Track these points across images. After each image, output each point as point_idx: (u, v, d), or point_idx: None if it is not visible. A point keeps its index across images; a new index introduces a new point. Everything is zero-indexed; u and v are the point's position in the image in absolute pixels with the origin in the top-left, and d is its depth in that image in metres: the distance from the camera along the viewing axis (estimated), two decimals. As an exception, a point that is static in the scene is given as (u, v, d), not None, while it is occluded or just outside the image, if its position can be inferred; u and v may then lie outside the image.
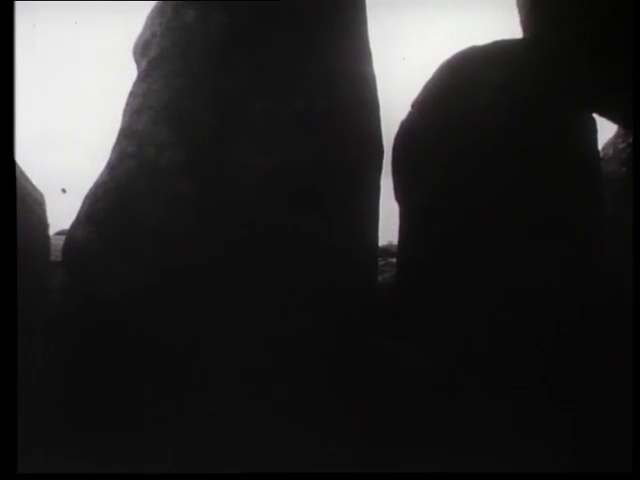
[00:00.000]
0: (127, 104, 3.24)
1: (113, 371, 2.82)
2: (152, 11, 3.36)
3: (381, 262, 3.68)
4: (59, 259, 3.05)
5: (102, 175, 3.12)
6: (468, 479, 2.55)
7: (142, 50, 3.39)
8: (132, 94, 3.26)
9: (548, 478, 2.58)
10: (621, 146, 4.38)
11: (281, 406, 2.73)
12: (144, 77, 3.32)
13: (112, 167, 3.16)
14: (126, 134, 3.20)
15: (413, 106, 3.52)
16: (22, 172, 2.75)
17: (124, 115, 3.20)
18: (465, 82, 3.44)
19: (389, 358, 2.98)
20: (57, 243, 3.30)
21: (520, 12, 3.98)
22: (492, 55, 3.54)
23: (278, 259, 3.02)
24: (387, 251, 3.93)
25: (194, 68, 3.23)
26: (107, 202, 3.11)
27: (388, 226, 3.73)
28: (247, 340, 2.82)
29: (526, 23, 3.90)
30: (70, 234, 3.09)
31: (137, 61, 3.32)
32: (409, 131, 3.44)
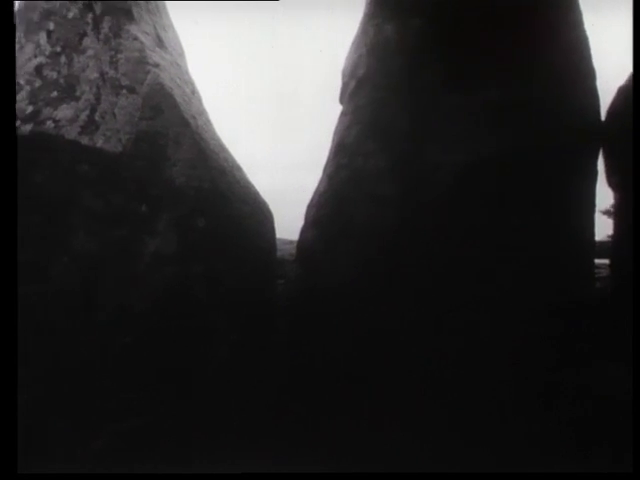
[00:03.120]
0: (340, 122, 3.77)
1: (333, 347, 3.38)
2: (356, 35, 3.80)
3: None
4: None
5: (322, 185, 3.74)
6: (468, 479, 2.49)
7: (351, 72, 3.87)
8: (343, 113, 3.78)
9: (548, 478, 2.48)
10: None
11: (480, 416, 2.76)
12: (353, 96, 3.79)
13: (330, 177, 3.74)
14: (339, 148, 3.73)
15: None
16: (255, 187, 3.56)
17: (337, 132, 3.74)
18: None
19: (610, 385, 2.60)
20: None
21: None
22: None
23: (476, 259, 3.02)
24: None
25: (393, 78, 3.51)
26: (328, 208, 3.70)
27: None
28: (440, 340, 2.95)
29: None
30: (301, 237, 3.81)
31: (345, 83, 3.81)
32: (631, 98, 2.85)
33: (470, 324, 3.06)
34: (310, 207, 3.74)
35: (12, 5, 2.60)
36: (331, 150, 3.68)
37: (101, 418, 2.68)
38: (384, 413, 2.96)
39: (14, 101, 2.75)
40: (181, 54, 3.40)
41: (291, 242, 3.92)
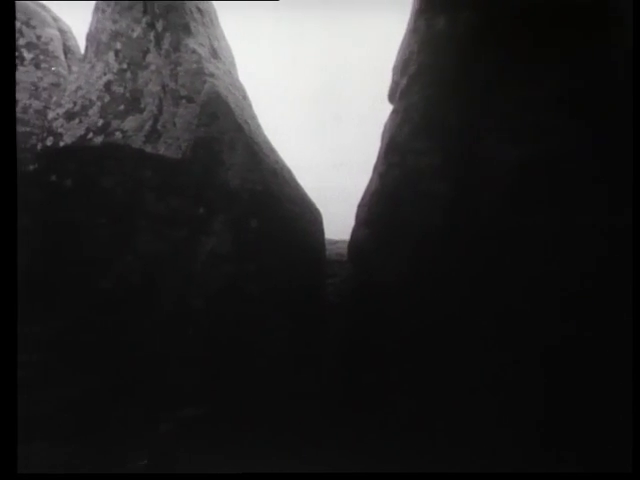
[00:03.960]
0: (390, 120, 3.73)
1: (385, 344, 3.35)
2: (406, 32, 3.74)
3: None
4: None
5: (373, 184, 3.72)
6: (468, 479, 2.51)
7: (402, 70, 3.82)
8: (394, 111, 3.74)
9: (548, 478, 2.50)
10: None
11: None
12: (405, 93, 3.74)
13: (381, 176, 3.71)
14: (390, 146, 3.69)
15: None
16: (303, 189, 3.63)
17: (388, 130, 3.71)
18: None
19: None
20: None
21: None
22: None
23: (535, 259, 2.85)
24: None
25: (446, 74, 3.42)
26: (380, 207, 3.68)
27: None
28: (497, 341, 2.82)
29: None
30: (353, 236, 3.82)
31: (396, 81, 3.77)
32: None
33: (531, 325, 2.90)
34: (361, 206, 3.74)
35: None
36: (381, 149, 3.66)
37: (161, 406, 2.88)
38: (435, 408, 2.90)
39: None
40: (232, 62, 3.58)
41: (336, 242, 3.94)
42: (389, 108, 3.83)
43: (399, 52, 3.79)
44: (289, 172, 3.51)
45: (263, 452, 2.75)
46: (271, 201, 3.38)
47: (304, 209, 3.43)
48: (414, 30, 3.75)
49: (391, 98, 3.79)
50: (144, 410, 2.95)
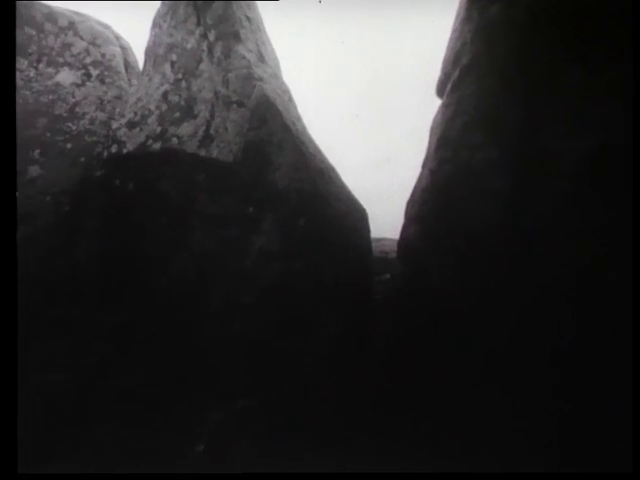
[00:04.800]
0: (441, 115, 3.62)
1: (436, 348, 3.26)
2: (457, 23, 3.61)
3: None
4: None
5: (423, 180, 3.63)
6: (468, 479, 2.50)
7: (453, 61, 3.69)
8: (445, 104, 3.62)
9: (548, 478, 2.47)
10: None
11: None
12: (457, 86, 3.61)
13: (433, 172, 3.61)
14: (442, 141, 3.58)
15: None
16: (348, 187, 3.62)
17: (438, 126, 3.60)
18: None
19: None
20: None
21: None
22: None
23: (602, 261, 2.63)
24: None
25: (502, 63, 3.27)
26: (431, 204, 3.59)
27: None
28: (551, 345, 2.64)
29: None
30: (403, 234, 3.76)
31: (447, 73, 3.64)
32: None
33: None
34: (411, 203, 3.66)
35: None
36: (431, 144, 3.56)
37: (212, 398, 3.03)
38: (482, 413, 2.78)
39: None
40: (277, 65, 3.68)
41: (380, 239, 3.89)
42: (435, 103, 3.72)
43: (449, 44, 3.67)
44: (334, 171, 3.53)
45: (305, 447, 2.80)
46: (318, 200, 3.43)
47: (350, 208, 3.43)
48: (466, 19, 3.61)
49: (440, 92, 3.67)
50: (197, 400, 3.12)
